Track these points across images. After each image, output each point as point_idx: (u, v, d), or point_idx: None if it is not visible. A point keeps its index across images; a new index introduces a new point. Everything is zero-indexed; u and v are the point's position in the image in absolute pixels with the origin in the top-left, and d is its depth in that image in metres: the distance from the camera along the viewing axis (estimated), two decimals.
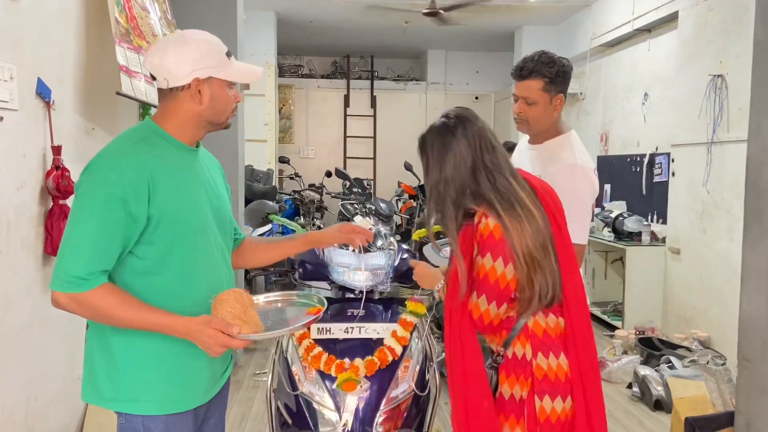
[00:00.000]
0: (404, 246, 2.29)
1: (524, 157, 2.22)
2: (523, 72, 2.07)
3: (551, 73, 2.04)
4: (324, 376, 1.86)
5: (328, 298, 2.14)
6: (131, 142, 1.46)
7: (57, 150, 2.32)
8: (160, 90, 1.49)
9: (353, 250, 2.08)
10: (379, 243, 2.21)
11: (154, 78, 1.48)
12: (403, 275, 2.13)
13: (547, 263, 1.62)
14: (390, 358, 1.88)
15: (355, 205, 5.74)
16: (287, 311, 1.64)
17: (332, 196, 6.93)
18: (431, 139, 1.70)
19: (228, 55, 1.50)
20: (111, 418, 2.09)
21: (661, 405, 3.59)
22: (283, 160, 7.25)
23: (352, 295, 2.09)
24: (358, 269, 2.05)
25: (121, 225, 1.37)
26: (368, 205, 5.58)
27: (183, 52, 1.44)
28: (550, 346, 1.66)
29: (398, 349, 1.90)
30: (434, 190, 1.69)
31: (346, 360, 1.86)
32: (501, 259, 1.59)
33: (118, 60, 2.51)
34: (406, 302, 2.01)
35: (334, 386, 1.83)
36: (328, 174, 7.36)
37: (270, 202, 2.11)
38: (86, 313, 1.39)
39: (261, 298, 1.65)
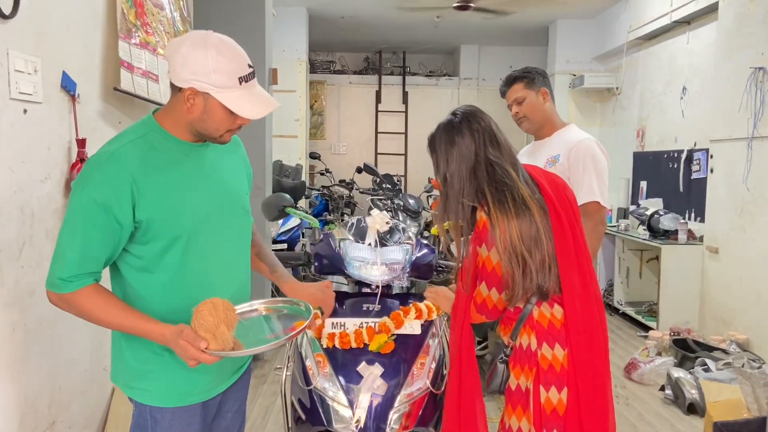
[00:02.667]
0: (423, 241, 2.25)
1: (531, 152, 2.58)
2: (506, 84, 2.53)
3: (525, 74, 2.50)
4: (338, 371, 1.84)
5: (343, 293, 2.13)
6: (120, 143, 1.43)
7: (82, 143, 2.35)
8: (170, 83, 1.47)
9: (369, 244, 2.06)
10: (396, 237, 2.17)
11: None
12: (420, 270, 2.09)
13: (537, 255, 1.66)
14: (414, 312, 1.90)
15: (384, 201, 5.71)
16: (276, 322, 1.55)
17: (361, 192, 6.92)
18: (439, 137, 1.79)
19: (244, 79, 1.39)
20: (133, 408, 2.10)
21: (694, 409, 3.47)
22: (313, 155, 7.28)
23: (368, 290, 2.06)
24: (375, 263, 2.02)
25: (104, 230, 1.37)
26: (396, 201, 5.54)
27: (193, 56, 1.35)
28: (556, 336, 1.69)
29: (423, 311, 1.92)
30: (442, 186, 1.77)
31: (373, 323, 1.87)
32: (494, 249, 1.67)
33: (119, 55, 2.53)
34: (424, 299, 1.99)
35: (357, 368, 1.82)
36: (359, 170, 7.36)
37: (287, 195, 2.10)
38: (73, 312, 1.43)
39: (246, 307, 1.55)
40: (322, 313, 1.87)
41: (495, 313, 1.75)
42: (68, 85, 2.30)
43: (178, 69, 1.38)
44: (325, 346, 1.89)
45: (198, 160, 1.50)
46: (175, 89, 1.43)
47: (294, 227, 5.35)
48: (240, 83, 1.38)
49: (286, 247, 5.13)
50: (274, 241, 5.01)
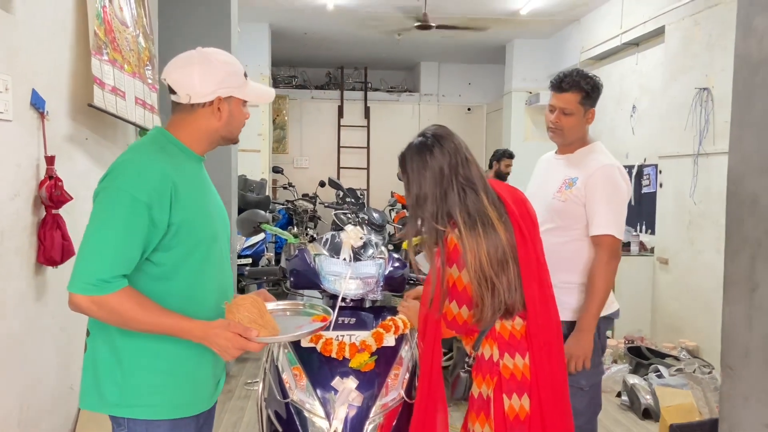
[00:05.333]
0: (395, 255, 2.32)
1: (550, 166, 2.42)
2: (563, 85, 2.25)
3: (588, 87, 2.24)
4: (315, 384, 1.89)
5: None
6: (153, 150, 1.49)
7: (50, 160, 2.34)
8: (176, 103, 1.54)
9: (344, 259, 2.12)
10: (370, 252, 2.24)
11: (172, 92, 1.52)
12: (393, 284, 2.16)
13: (504, 277, 1.73)
14: (392, 329, 1.96)
15: (348, 215, 5.77)
16: (294, 319, 1.68)
17: (325, 206, 6.95)
18: (410, 157, 1.81)
19: (245, 75, 1.58)
20: (103, 426, 2.10)
21: (649, 413, 3.63)
22: (276, 170, 7.28)
23: (343, 304, 2.12)
24: (349, 278, 2.08)
25: (144, 230, 1.40)
26: (361, 215, 5.60)
27: (208, 71, 1.50)
28: (516, 346, 1.77)
29: (400, 326, 1.98)
30: (414, 206, 1.80)
31: (355, 341, 1.93)
32: (465, 270, 1.71)
33: (92, 72, 2.55)
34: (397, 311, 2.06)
35: (332, 383, 1.87)
36: (322, 184, 7.38)
37: (262, 212, 2.14)
38: (105, 316, 1.40)
39: (272, 306, 1.70)
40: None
41: (465, 328, 1.80)
42: (37, 103, 2.30)
43: (198, 88, 1.49)
44: (306, 345, 1.93)
45: (202, 174, 1.62)
46: (195, 106, 1.52)
47: (258, 242, 5.35)
48: (246, 78, 1.58)
49: (250, 261, 5.13)
50: (239, 256, 5.01)
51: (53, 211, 2.33)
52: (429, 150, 1.77)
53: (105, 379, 1.48)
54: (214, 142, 1.60)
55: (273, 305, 1.70)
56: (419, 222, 1.79)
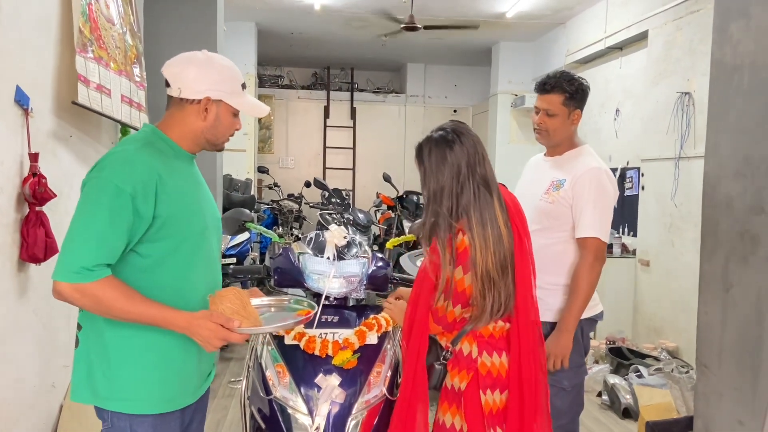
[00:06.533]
0: (378, 254, 2.34)
1: (539, 167, 2.44)
2: (546, 87, 2.29)
3: (571, 89, 2.26)
4: (298, 381, 1.90)
5: None
6: (140, 144, 1.52)
7: (34, 157, 2.33)
8: (170, 97, 1.58)
9: (328, 258, 2.13)
10: (354, 251, 2.26)
11: (168, 85, 1.56)
12: (376, 283, 2.18)
13: (503, 282, 1.76)
14: (375, 327, 1.97)
15: (333, 215, 5.78)
16: (279, 314, 1.71)
17: (311, 206, 6.96)
18: (429, 150, 1.79)
19: (243, 87, 1.60)
20: (83, 424, 2.10)
21: (629, 413, 3.68)
22: (261, 170, 7.27)
23: (326, 302, 2.14)
24: (333, 276, 2.09)
25: (128, 220, 1.41)
26: (346, 216, 5.62)
27: (205, 70, 1.53)
28: (494, 346, 1.83)
29: (383, 325, 1.99)
30: (431, 200, 1.79)
31: (339, 338, 1.94)
32: (470, 273, 1.74)
33: (77, 69, 2.54)
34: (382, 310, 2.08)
35: (315, 380, 1.88)
36: (307, 184, 7.39)
37: (247, 211, 2.15)
38: (88, 304, 1.41)
39: (257, 301, 1.72)
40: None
41: (454, 325, 1.83)
42: (21, 100, 2.29)
43: (191, 84, 1.52)
44: (290, 343, 1.95)
45: (195, 170, 1.65)
46: (184, 102, 1.54)
47: (243, 241, 5.34)
48: (242, 89, 1.60)
49: (235, 261, 5.12)
50: (224, 255, 5.00)
51: (37, 209, 2.32)
52: (449, 145, 1.76)
53: (96, 372, 1.50)
54: (199, 143, 1.61)
55: (258, 301, 1.72)
56: (434, 216, 1.78)
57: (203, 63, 1.55)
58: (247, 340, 1.73)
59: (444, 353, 1.88)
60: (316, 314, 1.65)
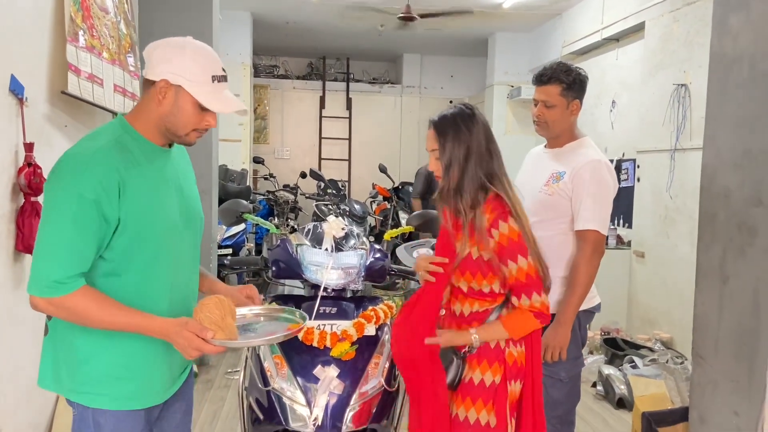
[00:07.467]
0: (376, 246, 2.34)
1: (539, 159, 2.44)
2: (543, 78, 2.29)
3: (568, 79, 2.26)
4: (296, 372, 1.90)
5: (300, 296, 2.20)
6: (100, 142, 1.44)
7: (29, 147, 2.32)
8: (144, 81, 1.51)
9: (326, 249, 2.13)
10: (352, 242, 2.25)
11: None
12: (374, 274, 2.18)
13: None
14: (373, 319, 1.98)
15: (329, 206, 5.78)
16: (269, 325, 1.64)
17: (306, 197, 6.95)
18: (452, 120, 1.79)
19: (218, 79, 1.48)
20: None
21: (623, 403, 3.71)
22: (257, 160, 7.25)
23: (324, 293, 2.13)
24: (331, 268, 2.09)
25: (95, 227, 1.37)
26: (342, 207, 5.62)
27: (172, 52, 1.44)
28: None
29: (381, 316, 2.00)
30: (462, 159, 1.77)
31: (337, 330, 1.94)
32: (530, 256, 1.74)
33: (67, 58, 2.51)
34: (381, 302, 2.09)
35: (314, 372, 1.89)
36: (303, 175, 7.38)
37: (244, 201, 2.15)
38: (64, 315, 1.40)
39: (246, 311, 1.66)
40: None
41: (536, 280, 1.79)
42: (16, 89, 2.26)
43: (154, 63, 1.45)
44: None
45: (164, 164, 1.55)
46: (149, 84, 1.47)
47: (239, 232, 5.34)
48: (212, 81, 1.47)
49: (231, 251, 5.12)
50: (219, 246, 4.99)
51: (32, 199, 2.31)
52: (473, 111, 1.80)
53: (61, 363, 1.48)
54: (162, 131, 1.50)
55: (246, 310, 1.66)
56: (462, 176, 1.76)
57: (174, 45, 1.45)
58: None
59: (466, 349, 1.80)
60: (303, 327, 1.60)
